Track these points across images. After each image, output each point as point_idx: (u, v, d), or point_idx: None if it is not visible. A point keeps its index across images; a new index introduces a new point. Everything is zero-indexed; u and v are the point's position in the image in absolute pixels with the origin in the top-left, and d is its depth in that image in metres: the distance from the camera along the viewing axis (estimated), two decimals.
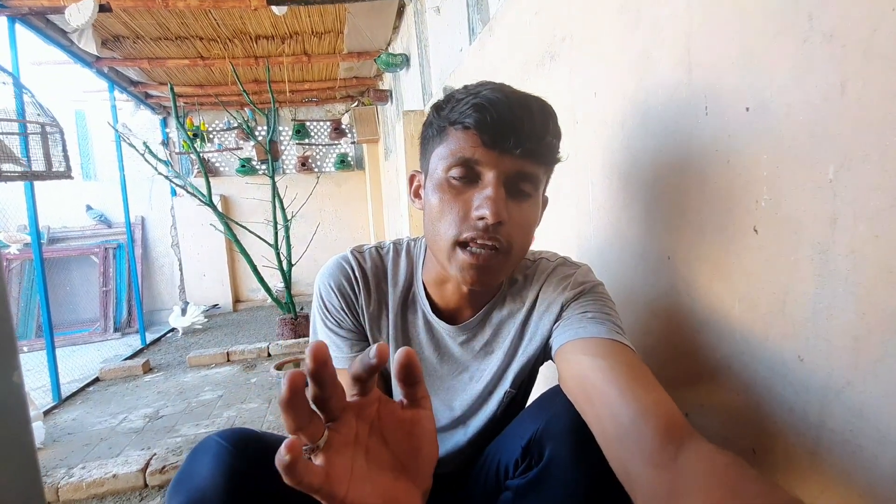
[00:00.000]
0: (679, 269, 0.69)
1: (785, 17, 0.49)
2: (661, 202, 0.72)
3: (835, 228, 0.46)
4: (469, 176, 0.55)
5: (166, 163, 3.62)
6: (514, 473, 0.58)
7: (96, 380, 2.94)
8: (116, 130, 3.69)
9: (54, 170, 2.08)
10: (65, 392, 2.67)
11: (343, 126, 5.40)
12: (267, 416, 2.17)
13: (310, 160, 5.43)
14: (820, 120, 0.46)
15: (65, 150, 2.13)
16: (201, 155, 4.89)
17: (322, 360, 0.30)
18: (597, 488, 0.49)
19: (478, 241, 0.54)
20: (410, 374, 0.35)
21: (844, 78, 0.43)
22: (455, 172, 0.55)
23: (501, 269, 0.56)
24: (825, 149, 0.46)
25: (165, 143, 5.04)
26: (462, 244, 0.55)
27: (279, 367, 2.58)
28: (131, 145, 3.30)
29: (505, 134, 0.52)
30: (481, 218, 0.53)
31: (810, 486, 0.51)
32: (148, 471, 1.63)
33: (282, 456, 0.29)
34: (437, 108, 0.58)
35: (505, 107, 0.52)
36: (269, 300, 3.29)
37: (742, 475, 0.37)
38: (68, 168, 2.15)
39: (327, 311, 0.66)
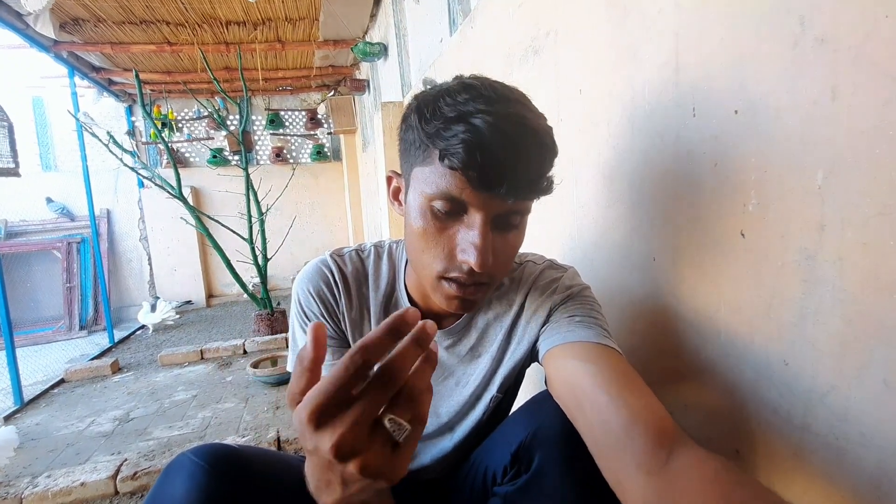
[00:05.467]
0: (664, 270, 0.69)
1: (776, 19, 0.48)
2: (647, 203, 0.71)
3: (822, 234, 0.46)
4: (455, 210, 0.50)
5: (132, 153, 3.46)
6: (503, 480, 0.57)
7: (61, 381, 2.81)
8: (77, 119, 3.50)
9: (1, 166, 1.94)
10: (27, 395, 2.54)
11: (319, 116, 5.27)
12: (244, 416, 2.12)
13: (284, 151, 5.29)
14: (809, 125, 0.46)
15: (13, 144, 1.98)
16: (170, 145, 4.70)
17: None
18: (587, 496, 0.49)
19: (461, 281, 0.51)
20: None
21: (835, 83, 0.43)
22: (439, 205, 0.50)
23: (485, 297, 0.56)
24: (814, 154, 0.46)
25: (131, 132, 4.82)
26: (447, 279, 0.52)
27: (255, 365, 2.52)
28: (94, 135, 3.14)
29: (497, 179, 0.46)
30: (466, 262, 0.50)
31: (794, 486, 0.52)
32: (119, 477, 1.56)
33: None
34: (420, 115, 0.51)
35: (498, 147, 0.45)
36: (245, 295, 3.20)
37: (733, 480, 0.38)
38: (16, 165, 2.01)
39: (307, 317, 0.63)
